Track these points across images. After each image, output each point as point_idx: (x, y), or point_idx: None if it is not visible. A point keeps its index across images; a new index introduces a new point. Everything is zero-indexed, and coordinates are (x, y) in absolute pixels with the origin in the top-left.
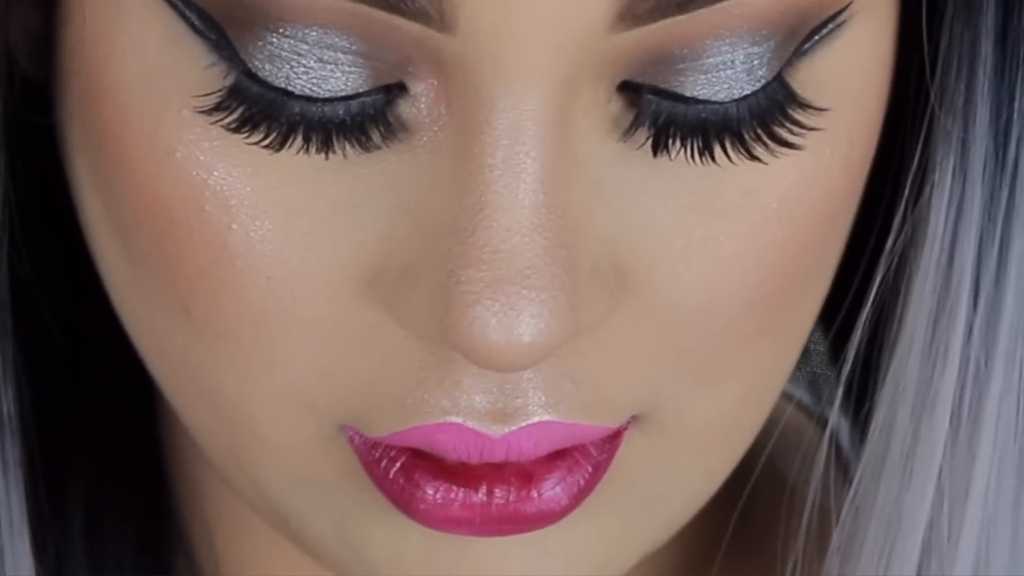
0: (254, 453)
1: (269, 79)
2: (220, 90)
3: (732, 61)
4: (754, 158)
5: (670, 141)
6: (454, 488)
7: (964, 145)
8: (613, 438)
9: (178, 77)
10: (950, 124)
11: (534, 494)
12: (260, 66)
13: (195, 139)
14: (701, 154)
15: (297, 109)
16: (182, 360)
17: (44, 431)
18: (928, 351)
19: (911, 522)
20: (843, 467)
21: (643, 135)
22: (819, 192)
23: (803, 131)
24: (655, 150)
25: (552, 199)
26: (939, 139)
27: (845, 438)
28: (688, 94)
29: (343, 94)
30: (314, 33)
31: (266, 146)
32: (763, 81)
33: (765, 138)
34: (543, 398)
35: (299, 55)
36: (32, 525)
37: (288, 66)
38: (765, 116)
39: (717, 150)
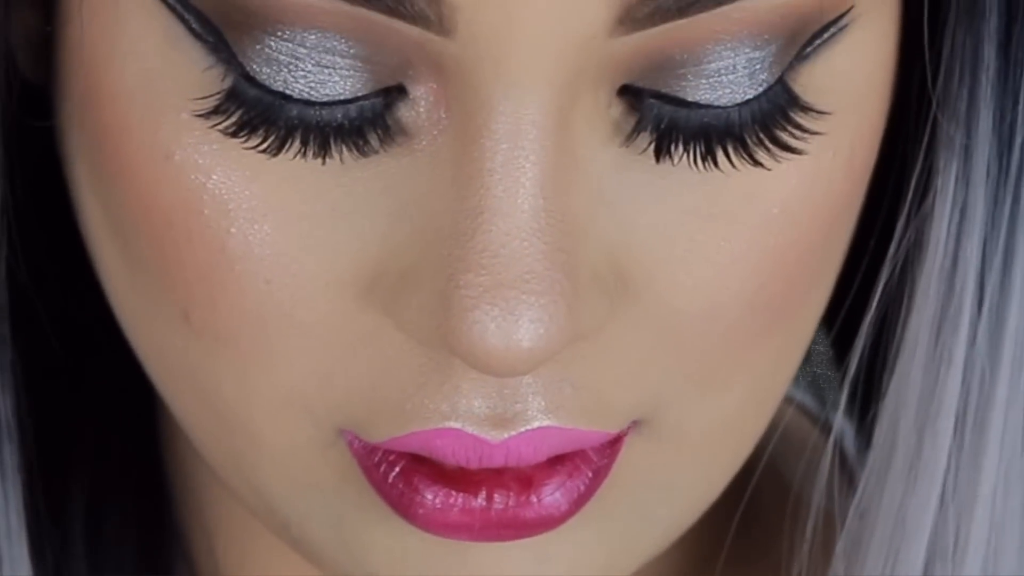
0: (253, 457)
1: (267, 82)
2: (218, 93)
3: (734, 66)
4: (756, 163)
5: (672, 146)
6: (453, 493)
7: (967, 151)
8: (613, 443)
9: (177, 80)
10: (953, 130)
11: (534, 499)
12: (258, 69)
13: (194, 143)
14: (703, 159)
15: (295, 113)
16: (181, 364)
17: (43, 437)
18: (932, 357)
19: (915, 529)
20: (847, 472)
21: (645, 140)
22: (821, 196)
23: (805, 135)
24: (657, 155)
25: (552, 203)
26: (942, 145)
27: (849, 442)
28: (690, 99)
29: (341, 98)
30: (313, 36)
31: (264, 150)
32: (765, 85)
33: (767, 142)
34: (543, 403)
35: (297, 59)
36: (31, 532)
37: (286, 70)
38: (767, 120)
39: (720, 155)
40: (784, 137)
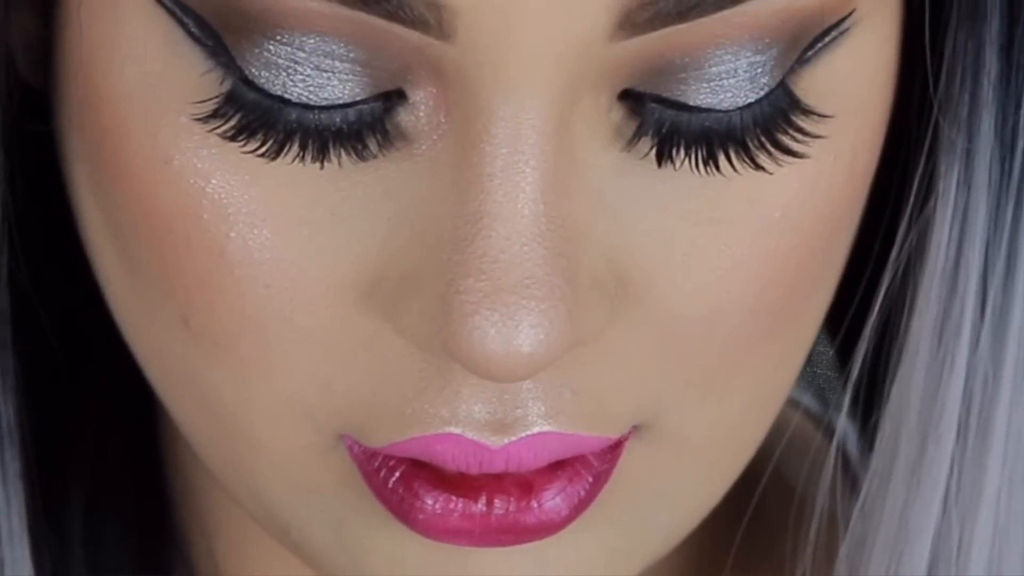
0: (253, 462)
1: (266, 86)
2: (216, 97)
3: (735, 70)
4: (758, 167)
5: (674, 150)
6: (453, 498)
7: (968, 155)
8: (614, 448)
9: (175, 84)
10: (954, 134)
11: (534, 504)
12: (257, 73)
13: (192, 147)
14: (705, 163)
15: (294, 117)
16: (180, 369)
17: (44, 441)
18: (934, 360)
19: (919, 532)
20: (851, 475)
21: (647, 144)
22: (822, 201)
23: (807, 139)
24: (659, 159)
25: (552, 208)
26: (943, 148)
27: (853, 445)
28: (691, 103)
29: (340, 102)
30: (312, 41)
31: (262, 154)
32: (767, 89)
33: (769, 146)
34: (543, 408)
35: (296, 63)
36: (32, 535)
37: (285, 74)
38: (769, 124)
39: (721, 159)
40: (786, 141)
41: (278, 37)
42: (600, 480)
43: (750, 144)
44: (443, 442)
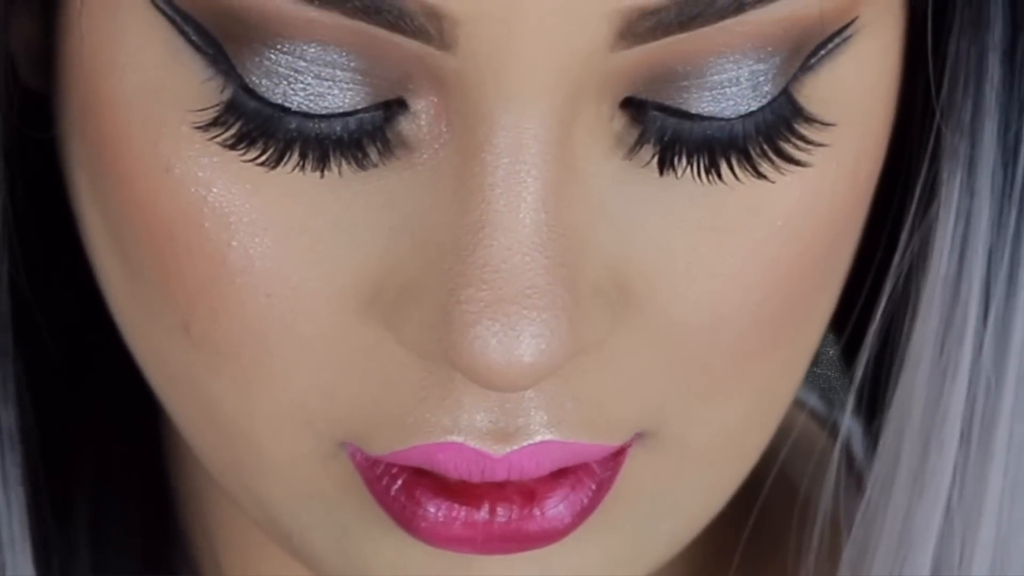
0: (255, 468)
1: (266, 95)
2: (217, 105)
3: (737, 78)
4: (760, 176)
5: (676, 158)
6: (456, 506)
7: (971, 161)
8: (616, 456)
9: (176, 92)
10: (957, 140)
11: (537, 512)
12: (257, 82)
13: (193, 155)
14: (707, 172)
15: (294, 125)
16: (182, 376)
17: (47, 446)
18: (936, 367)
19: (921, 539)
20: (855, 478)
21: (649, 152)
22: (825, 209)
23: (809, 147)
24: (661, 168)
25: (553, 218)
26: (946, 155)
27: (858, 445)
28: (693, 111)
29: (341, 111)
30: (312, 50)
31: (262, 162)
32: (769, 97)
33: (771, 154)
34: (545, 417)
35: (297, 71)
36: (35, 541)
37: (286, 82)
38: (771, 132)
39: (723, 167)
40: (788, 149)
41: (279, 46)
42: (603, 487)
43: (752, 152)
44: (445, 451)
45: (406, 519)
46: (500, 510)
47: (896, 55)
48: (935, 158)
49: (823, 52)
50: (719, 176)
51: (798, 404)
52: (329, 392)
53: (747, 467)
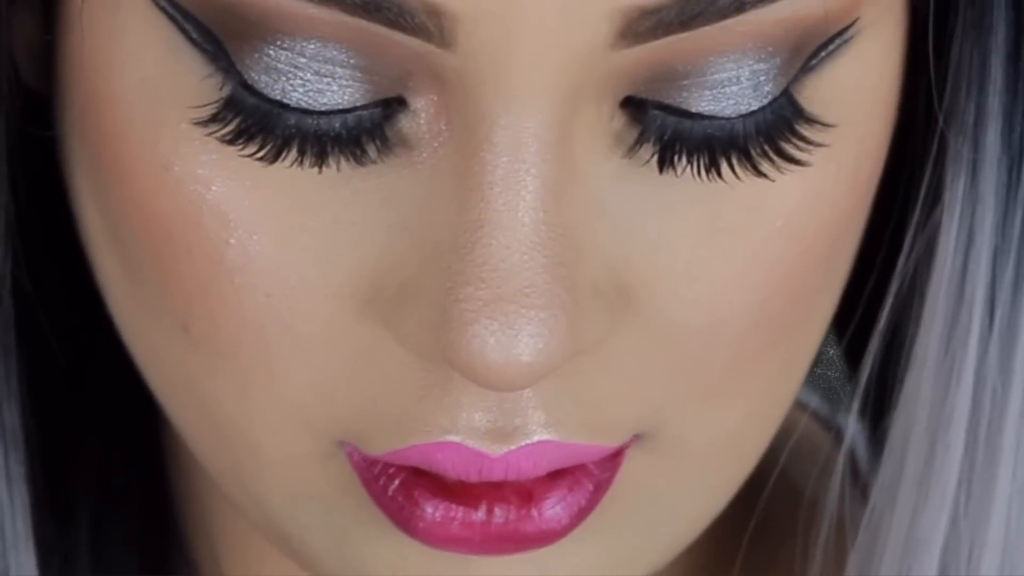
0: (253, 469)
1: (265, 91)
2: (216, 101)
3: (738, 77)
4: (760, 174)
5: (676, 157)
6: (453, 507)
7: (975, 165)
8: (615, 457)
9: (176, 89)
10: (960, 144)
11: (534, 513)
12: (257, 78)
13: (192, 152)
14: (707, 171)
15: (293, 121)
16: (181, 376)
17: (48, 447)
18: (942, 370)
19: (928, 544)
20: (860, 480)
21: (648, 151)
22: (825, 210)
23: (810, 147)
24: (661, 166)
25: (553, 217)
26: (950, 158)
27: (862, 448)
28: (694, 110)
29: (340, 107)
30: (312, 46)
31: (260, 158)
32: (770, 97)
33: (772, 154)
34: (543, 417)
35: (296, 68)
36: (36, 542)
37: (285, 78)
38: (772, 132)
39: (723, 166)
40: (788, 149)
41: (278, 42)
42: (601, 489)
43: (752, 152)
44: (443, 450)
45: (404, 519)
46: (498, 510)
47: (898, 57)
48: (939, 161)
49: (824, 53)
50: (719, 174)
51: (800, 405)
52: (328, 391)
53: (747, 469)
